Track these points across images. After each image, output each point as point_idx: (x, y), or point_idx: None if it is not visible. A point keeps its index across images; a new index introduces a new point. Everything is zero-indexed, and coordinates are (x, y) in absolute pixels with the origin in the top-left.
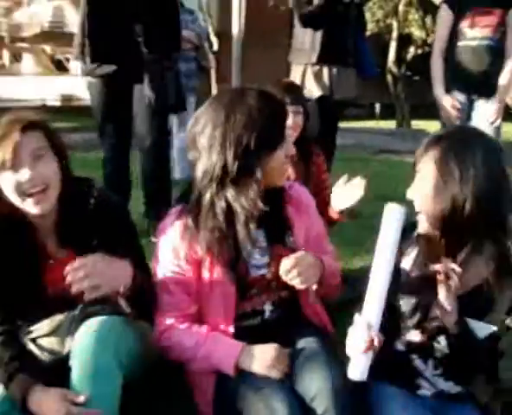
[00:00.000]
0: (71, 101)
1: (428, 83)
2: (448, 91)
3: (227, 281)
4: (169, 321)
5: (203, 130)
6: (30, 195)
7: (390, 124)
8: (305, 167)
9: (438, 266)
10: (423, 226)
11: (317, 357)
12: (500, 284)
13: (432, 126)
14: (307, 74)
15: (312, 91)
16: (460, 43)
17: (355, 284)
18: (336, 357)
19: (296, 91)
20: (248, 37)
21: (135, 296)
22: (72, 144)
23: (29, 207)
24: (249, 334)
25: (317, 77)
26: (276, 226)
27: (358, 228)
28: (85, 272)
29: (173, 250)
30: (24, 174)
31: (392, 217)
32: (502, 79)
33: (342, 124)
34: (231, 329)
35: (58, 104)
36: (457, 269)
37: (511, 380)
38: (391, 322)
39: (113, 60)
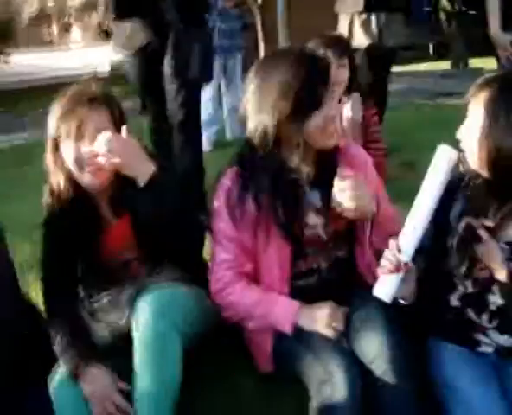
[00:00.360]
0: (121, 68)
1: (483, 18)
2: (505, 28)
3: (281, 240)
4: (226, 278)
5: (250, 93)
6: (90, 167)
7: (446, 65)
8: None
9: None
10: (469, 166)
11: (374, 318)
12: None
13: (490, 63)
14: (355, 23)
15: (361, 40)
16: None
17: None
18: (394, 321)
19: (341, 43)
20: None
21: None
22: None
23: (88, 178)
24: (304, 293)
25: (365, 25)
26: (331, 187)
27: (415, 181)
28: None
29: (228, 209)
30: (87, 147)
31: (442, 157)
32: None
33: (395, 69)
34: (286, 289)
35: (108, 71)
36: (488, 223)
37: None
38: (443, 277)
39: (138, 15)
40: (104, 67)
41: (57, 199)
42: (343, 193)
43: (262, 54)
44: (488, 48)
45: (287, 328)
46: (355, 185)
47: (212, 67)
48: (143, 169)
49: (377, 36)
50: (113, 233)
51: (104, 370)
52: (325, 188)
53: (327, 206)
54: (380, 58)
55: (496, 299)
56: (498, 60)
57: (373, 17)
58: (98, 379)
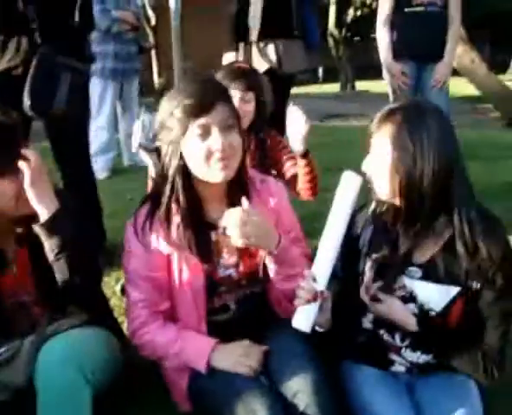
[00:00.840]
0: None
1: (368, 44)
2: (396, 57)
3: (195, 277)
4: (141, 318)
5: None
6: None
7: (334, 88)
8: (262, 153)
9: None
10: (379, 196)
11: (295, 353)
12: (448, 259)
13: (376, 87)
14: (252, 52)
15: (259, 66)
16: (407, 10)
17: None
18: (314, 351)
19: (247, 77)
20: (186, 10)
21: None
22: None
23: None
24: (222, 329)
25: (263, 53)
26: None
27: (316, 203)
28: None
29: (143, 246)
30: None
31: (348, 184)
32: (449, 44)
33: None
34: (203, 324)
35: None
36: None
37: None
38: (356, 300)
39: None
40: None
41: None
42: (233, 227)
43: (156, 75)
44: (373, 73)
45: (201, 367)
46: (245, 220)
47: (85, 101)
48: (48, 203)
49: (276, 63)
50: (12, 269)
51: None
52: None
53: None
54: (279, 83)
55: None
56: (392, 89)
57: (271, 45)
58: None
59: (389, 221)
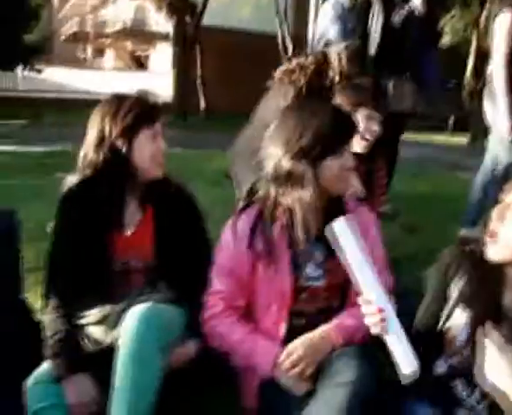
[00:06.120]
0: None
1: None
2: None
3: (282, 282)
4: (217, 309)
5: (271, 132)
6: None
7: (463, 140)
8: (370, 181)
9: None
10: (491, 257)
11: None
12: None
13: None
14: None
15: None
16: None
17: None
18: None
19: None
20: None
21: None
22: None
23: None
24: (297, 334)
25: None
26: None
27: (418, 246)
28: None
29: (236, 244)
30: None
31: (336, 233)
32: None
33: (413, 137)
34: (282, 328)
35: None
36: None
37: None
38: (433, 340)
39: None
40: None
41: (93, 169)
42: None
43: None
44: None
45: (269, 373)
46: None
47: None
48: None
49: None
50: (136, 231)
51: (88, 381)
52: (327, 242)
53: (326, 260)
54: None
55: None
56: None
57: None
58: (81, 389)
59: (493, 279)
